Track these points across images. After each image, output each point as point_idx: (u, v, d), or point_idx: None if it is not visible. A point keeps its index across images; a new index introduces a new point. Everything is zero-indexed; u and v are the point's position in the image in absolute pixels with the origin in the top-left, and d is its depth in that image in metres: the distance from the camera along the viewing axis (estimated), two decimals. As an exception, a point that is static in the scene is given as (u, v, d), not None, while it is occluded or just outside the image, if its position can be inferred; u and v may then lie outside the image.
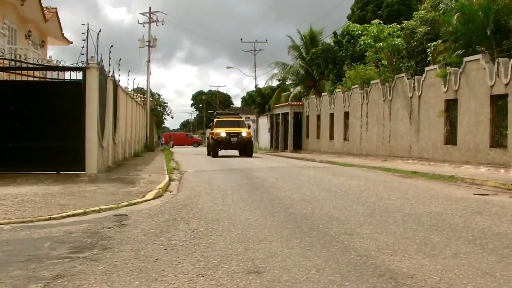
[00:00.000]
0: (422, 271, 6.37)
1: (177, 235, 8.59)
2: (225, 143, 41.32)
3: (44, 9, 34.40)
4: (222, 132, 41.09)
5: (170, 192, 15.24)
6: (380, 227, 9.20)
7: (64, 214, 10.46)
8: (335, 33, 51.47)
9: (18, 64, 20.65)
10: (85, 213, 10.75)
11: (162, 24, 63.83)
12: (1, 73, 21.96)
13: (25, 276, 6.19)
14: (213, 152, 41.44)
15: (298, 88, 56.62)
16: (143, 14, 63.19)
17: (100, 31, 20.12)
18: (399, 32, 36.19)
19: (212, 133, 42.31)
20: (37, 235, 8.69)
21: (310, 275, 6.19)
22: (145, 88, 64.54)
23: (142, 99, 55.01)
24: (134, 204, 12.25)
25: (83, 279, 5.99)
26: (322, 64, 50.59)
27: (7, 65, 20.85)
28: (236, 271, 6.37)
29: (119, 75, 27.31)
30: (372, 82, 36.34)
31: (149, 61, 61.90)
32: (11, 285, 5.83)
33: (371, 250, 7.41)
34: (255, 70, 79.48)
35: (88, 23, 19.56)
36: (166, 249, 7.57)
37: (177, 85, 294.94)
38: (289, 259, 6.90)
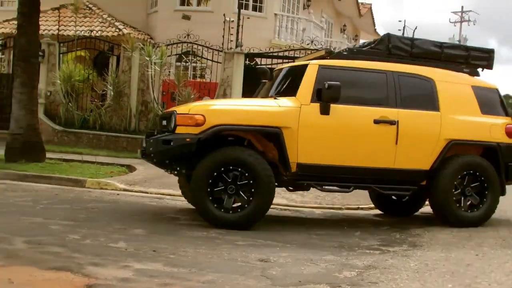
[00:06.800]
0: None
1: (487, 241, 8.10)
2: None
3: (360, 4, 35.29)
4: None
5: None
6: None
7: (372, 205, 10.56)
8: None
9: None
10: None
11: (474, 24, 61.75)
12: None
13: (339, 262, 6.33)
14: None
15: None
16: (455, 13, 61.81)
17: (416, 28, 20.00)
18: None
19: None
20: (346, 223, 8.89)
21: None
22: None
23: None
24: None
25: (396, 274, 5.92)
26: None
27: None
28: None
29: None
30: None
31: (457, 59, 60.34)
32: (325, 269, 6.00)
33: None
34: None
35: (405, 20, 19.61)
36: (477, 254, 7.17)
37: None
38: None
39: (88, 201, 9.70)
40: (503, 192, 9.26)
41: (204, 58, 20.63)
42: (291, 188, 8.83)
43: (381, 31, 66.79)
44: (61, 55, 20.97)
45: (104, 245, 6.44)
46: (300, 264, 6.13)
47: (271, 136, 8.17)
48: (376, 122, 8.45)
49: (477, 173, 8.89)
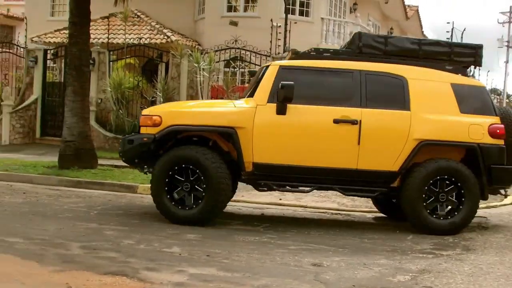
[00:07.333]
0: None
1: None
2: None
3: (406, 7, 34.96)
4: None
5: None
6: None
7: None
8: None
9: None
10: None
11: (523, 24, 60.28)
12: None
13: (392, 266, 6.32)
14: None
15: None
16: (503, 13, 60.55)
17: (464, 30, 19.74)
18: None
19: None
20: (398, 227, 8.83)
21: None
22: (501, 89, 61.92)
23: (497, 101, 52.86)
24: (492, 207, 11.74)
25: (450, 278, 5.87)
26: None
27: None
28: None
29: (479, 74, 26.63)
30: None
31: (507, 61, 59.29)
32: (379, 273, 5.98)
33: None
34: None
35: (453, 21, 19.34)
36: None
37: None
38: None
39: (141, 206, 9.85)
40: (483, 197, 8.63)
41: (252, 63, 20.70)
42: (263, 188, 8.64)
43: (429, 34, 66.08)
44: (111, 63, 21.33)
45: (158, 250, 6.54)
46: (354, 268, 6.13)
47: (226, 136, 8.38)
48: (336, 121, 8.25)
49: (451, 178, 8.33)
